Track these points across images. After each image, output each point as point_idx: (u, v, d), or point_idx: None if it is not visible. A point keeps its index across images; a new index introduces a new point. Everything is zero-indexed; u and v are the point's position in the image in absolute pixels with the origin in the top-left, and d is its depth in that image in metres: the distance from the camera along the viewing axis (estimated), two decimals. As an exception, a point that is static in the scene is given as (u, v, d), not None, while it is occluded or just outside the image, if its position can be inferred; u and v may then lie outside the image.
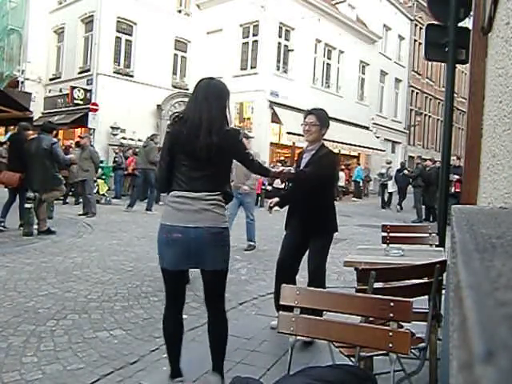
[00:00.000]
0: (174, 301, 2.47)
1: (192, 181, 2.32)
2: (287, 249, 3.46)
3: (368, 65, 23.08)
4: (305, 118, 3.42)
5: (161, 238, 2.32)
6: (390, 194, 16.07)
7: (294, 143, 18.09)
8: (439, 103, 29.06)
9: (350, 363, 1.93)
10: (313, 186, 3.29)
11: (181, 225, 2.26)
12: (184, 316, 3.70)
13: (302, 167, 3.42)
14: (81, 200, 11.80)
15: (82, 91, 16.37)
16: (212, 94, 2.38)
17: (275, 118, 17.32)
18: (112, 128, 16.28)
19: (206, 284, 2.42)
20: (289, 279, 3.14)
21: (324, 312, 2.06)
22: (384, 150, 23.28)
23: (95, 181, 12.38)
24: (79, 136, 10.44)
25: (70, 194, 12.10)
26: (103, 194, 12.59)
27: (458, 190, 10.82)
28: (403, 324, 1.82)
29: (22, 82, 17.95)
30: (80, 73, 17.42)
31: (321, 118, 3.40)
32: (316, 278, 3.27)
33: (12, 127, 19.52)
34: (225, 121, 2.39)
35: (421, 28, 25.90)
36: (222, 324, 2.47)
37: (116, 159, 14.16)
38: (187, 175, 2.33)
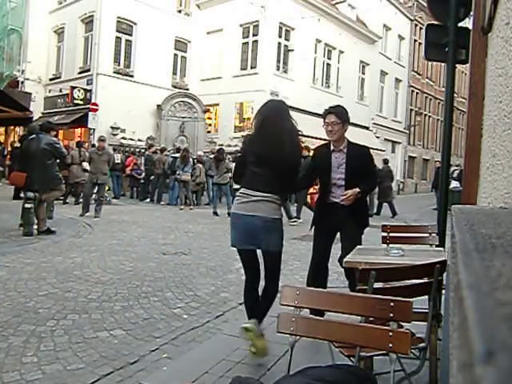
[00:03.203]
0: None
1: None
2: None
3: (368, 65, 23.08)
4: (325, 119, 3.43)
5: None
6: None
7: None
8: (439, 103, 29.05)
9: (350, 363, 1.93)
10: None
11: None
12: (184, 316, 3.72)
13: (335, 167, 3.42)
14: (81, 200, 11.80)
15: (81, 91, 16.37)
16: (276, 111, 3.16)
17: (275, 118, 17.31)
18: (112, 128, 16.28)
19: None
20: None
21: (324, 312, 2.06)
22: (384, 150, 23.25)
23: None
24: (100, 139, 10.14)
25: (70, 193, 12.08)
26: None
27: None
28: (403, 324, 1.82)
29: (22, 82, 17.94)
30: (80, 73, 17.42)
31: (340, 115, 3.42)
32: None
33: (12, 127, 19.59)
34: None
35: (421, 28, 25.89)
36: (273, 290, 2.99)
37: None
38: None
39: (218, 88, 18.36)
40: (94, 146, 13.95)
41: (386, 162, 13.82)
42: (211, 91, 18.37)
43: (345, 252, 3.31)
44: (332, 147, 3.49)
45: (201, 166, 12.97)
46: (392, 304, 1.61)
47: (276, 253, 2.97)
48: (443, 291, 2.46)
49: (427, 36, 4.22)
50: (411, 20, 26.59)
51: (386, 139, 24.99)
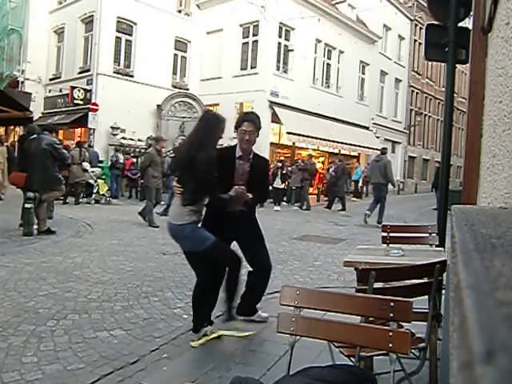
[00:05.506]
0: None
1: None
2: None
3: (368, 65, 23.07)
4: (241, 126, 3.30)
5: None
6: None
7: (293, 143, 18.09)
8: (439, 103, 29.06)
9: (350, 363, 1.93)
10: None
11: None
12: (184, 316, 3.72)
13: (239, 174, 3.33)
14: (81, 200, 11.80)
15: (82, 91, 16.36)
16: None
17: (275, 118, 17.32)
18: (112, 128, 16.27)
19: None
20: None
21: (324, 312, 2.06)
22: (384, 150, 23.22)
23: (95, 180, 12.39)
24: (162, 138, 9.57)
25: (70, 194, 12.08)
26: (103, 194, 12.59)
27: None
28: (403, 324, 1.82)
29: (22, 82, 17.93)
30: (80, 73, 17.41)
31: (257, 125, 3.33)
32: None
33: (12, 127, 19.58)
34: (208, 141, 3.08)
35: (421, 28, 25.89)
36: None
37: (111, 158, 14.21)
38: None
39: (217, 88, 18.36)
40: (91, 146, 13.99)
41: (340, 160, 15.15)
42: (211, 91, 18.37)
43: (262, 254, 3.42)
44: (238, 154, 3.36)
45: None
46: (392, 304, 1.61)
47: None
48: (443, 291, 2.46)
49: (427, 36, 4.22)
50: (411, 20, 26.58)
51: (386, 139, 24.97)
